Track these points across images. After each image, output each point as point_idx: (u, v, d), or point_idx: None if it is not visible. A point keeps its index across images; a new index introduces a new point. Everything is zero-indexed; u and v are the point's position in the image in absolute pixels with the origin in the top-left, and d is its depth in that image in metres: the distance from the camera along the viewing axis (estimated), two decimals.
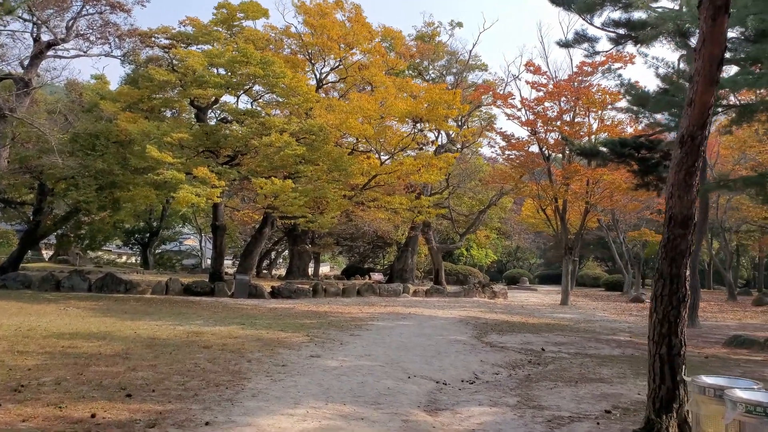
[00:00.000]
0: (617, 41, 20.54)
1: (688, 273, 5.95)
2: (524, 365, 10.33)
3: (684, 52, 18.53)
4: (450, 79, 34.79)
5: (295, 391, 7.18)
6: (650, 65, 15.74)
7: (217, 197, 19.92)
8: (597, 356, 11.52)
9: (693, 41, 17.02)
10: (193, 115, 25.49)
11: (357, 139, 26.23)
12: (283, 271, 46.09)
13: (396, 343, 11.78)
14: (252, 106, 23.88)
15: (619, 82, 17.02)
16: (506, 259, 69.00)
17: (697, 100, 5.76)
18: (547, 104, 25.44)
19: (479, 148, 40.59)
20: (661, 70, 15.73)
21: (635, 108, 21.00)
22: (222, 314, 16.26)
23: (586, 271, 54.59)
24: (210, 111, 26.08)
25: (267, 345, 10.60)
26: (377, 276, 38.64)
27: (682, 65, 18.02)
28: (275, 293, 24.02)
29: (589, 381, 8.86)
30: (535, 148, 27.26)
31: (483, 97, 29.79)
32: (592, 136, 25.40)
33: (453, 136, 32.78)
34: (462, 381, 8.78)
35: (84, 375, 7.30)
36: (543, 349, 12.10)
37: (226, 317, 15.41)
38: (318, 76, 27.52)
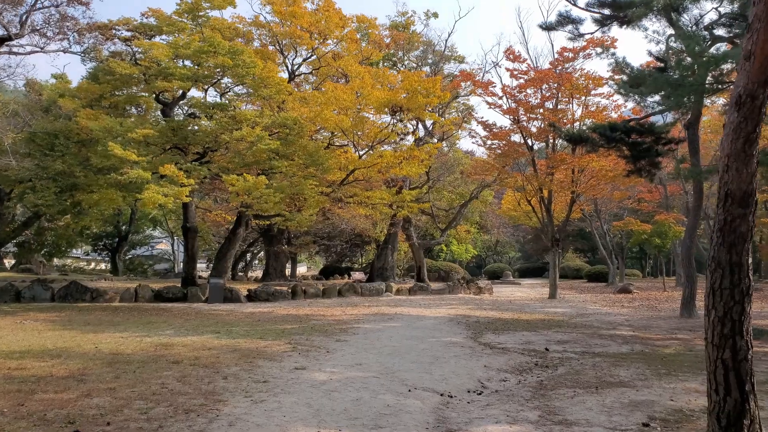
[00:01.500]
0: (602, 22, 19.73)
1: (750, 260, 4.95)
2: (532, 369, 9.34)
3: (672, 31, 17.78)
4: (426, 70, 33.76)
5: (280, 415, 6.08)
6: (650, 39, 14.86)
7: (186, 197, 18.64)
8: (606, 355, 10.58)
9: (685, 17, 16.23)
10: (159, 113, 24.09)
11: (333, 133, 25.11)
12: (259, 273, 44.78)
13: (387, 348, 10.71)
14: (221, 99, 22.57)
15: (612, 60, 16.13)
16: (485, 253, 68.33)
17: (757, 52, 4.76)
18: (529, 91, 24.57)
19: (457, 141, 39.70)
20: (655, 48, 14.87)
21: (623, 91, 20.21)
22: (195, 322, 15.04)
23: (567, 262, 54.06)
24: (177, 107, 24.71)
25: (245, 356, 9.46)
26: (357, 275, 37.56)
27: (672, 43, 17.22)
28: (252, 297, 22.81)
29: (610, 386, 7.89)
30: (517, 138, 26.41)
31: (462, 85, 28.85)
32: (576, 123, 24.61)
33: (431, 128, 31.79)
34: (469, 392, 7.75)
35: (26, 406, 6.10)
36: (547, 349, 11.15)
37: (199, 325, 14.21)
38: (290, 68, 26.33)
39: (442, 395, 7.42)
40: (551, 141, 25.96)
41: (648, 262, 60.17)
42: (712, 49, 16.15)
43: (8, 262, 36.09)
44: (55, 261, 42.24)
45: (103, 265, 47.80)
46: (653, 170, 19.06)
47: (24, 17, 24.39)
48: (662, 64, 16.80)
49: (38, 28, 25.70)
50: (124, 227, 40.75)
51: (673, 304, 22.83)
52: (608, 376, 8.56)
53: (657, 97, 17.42)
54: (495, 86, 26.27)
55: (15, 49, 25.87)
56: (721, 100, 27.47)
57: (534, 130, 25.68)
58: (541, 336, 13.12)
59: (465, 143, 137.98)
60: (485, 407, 6.91)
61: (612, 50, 17.65)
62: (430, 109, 21.79)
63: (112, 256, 41.71)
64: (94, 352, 9.56)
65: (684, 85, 13.86)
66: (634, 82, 15.36)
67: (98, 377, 7.57)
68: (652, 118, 20.87)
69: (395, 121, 21.68)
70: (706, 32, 16.84)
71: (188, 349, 10.09)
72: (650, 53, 16.53)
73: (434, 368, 8.99)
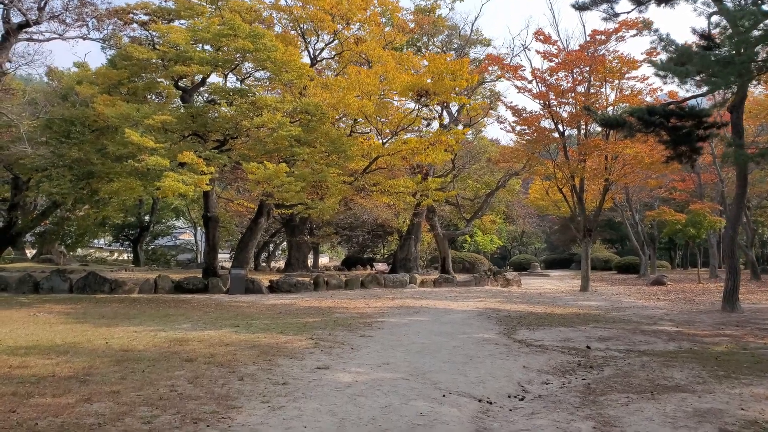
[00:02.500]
0: (639, 1, 18.67)
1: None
2: (575, 370, 8.54)
3: (716, 9, 16.71)
4: (452, 58, 32.75)
5: (300, 425, 5.38)
6: (699, 12, 13.84)
7: (207, 185, 18.05)
8: (654, 353, 9.73)
9: None
10: (178, 99, 23.53)
11: (355, 120, 24.35)
12: (282, 264, 44.31)
13: (416, 346, 9.98)
14: (241, 85, 21.90)
15: (655, 38, 15.13)
16: (510, 244, 67.19)
17: None
18: (560, 74, 23.51)
19: (483, 129, 38.65)
20: (699, 25, 13.85)
21: (661, 72, 19.16)
22: (214, 314, 14.46)
23: (595, 253, 52.71)
24: (197, 94, 24.15)
25: (264, 353, 8.80)
26: (380, 266, 36.86)
27: (717, 18, 16.14)
28: (274, 288, 22.25)
29: (667, 390, 7.07)
30: (547, 123, 25.40)
31: (490, 69, 27.80)
32: (610, 108, 23.53)
33: (457, 115, 30.81)
34: (509, 397, 6.99)
35: (18, 412, 5.48)
36: (588, 347, 10.32)
37: (218, 318, 13.61)
38: (312, 53, 25.56)
39: (480, 401, 6.67)
40: (583, 127, 24.90)
41: (677, 253, 58.64)
42: (761, 25, 15.09)
43: (30, 252, 36.03)
44: (78, 251, 42.18)
45: (125, 256, 47.67)
46: (694, 156, 18.01)
47: (42, 3, 23.93)
48: (707, 42, 15.74)
49: (57, 14, 25.22)
50: (146, 218, 40.48)
51: (711, 297, 21.81)
52: (662, 379, 7.73)
53: (700, 78, 16.37)
54: (524, 70, 25.29)
55: (34, 36, 25.48)
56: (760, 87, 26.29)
57: (565, 115, 24.65)
58: (579, 332, 12.28)
59: (490, 131, 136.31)
60: (530, 416, 6.14)
61: (654, 27, 16.60)
62: (457, 93, 20.88)
63: (134, 247, 41.48)
64: (104, 349, 8.97)
65: (734, 62, 12.85)
66: (679, 60, 14.34)
67: (103, 378, 6.94)
68: (688, 103, 19.81)
69: (420, 106, 20.82)
70: (754, 8, 15.76)
71: (204, 345, 9.46)
72: (694, 30, 15.49)
73: (469, 369, 8.24)
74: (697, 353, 9.78)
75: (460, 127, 30.14)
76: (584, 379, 7.89)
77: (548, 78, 24.23)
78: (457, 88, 20.22)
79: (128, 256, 46.66)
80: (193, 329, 11.50)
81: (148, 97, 24.15)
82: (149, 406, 5.80)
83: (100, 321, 12.47)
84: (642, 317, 15.37)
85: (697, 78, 16.81)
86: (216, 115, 20.20)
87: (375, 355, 9.02)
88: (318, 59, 25.94)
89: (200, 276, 22.80)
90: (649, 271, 37.64)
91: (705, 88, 17.32)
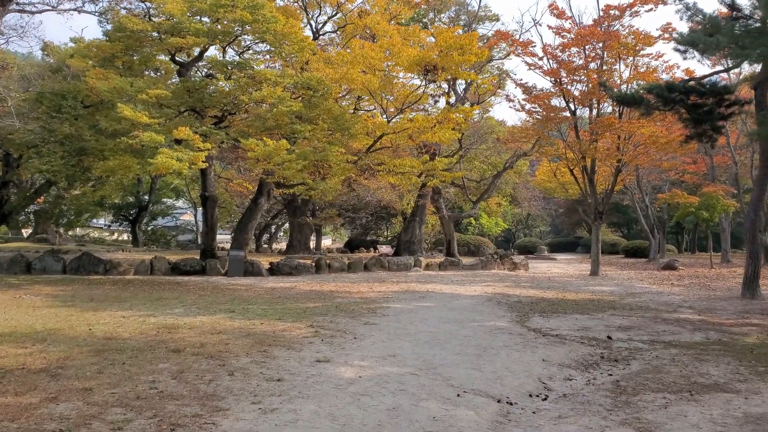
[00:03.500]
0: None
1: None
2: (599, 364, 7.81)
3: None
4: (459, 33, 31.71)
5: None
6: None
7: (203, 162, 17.26)
8: (681, 345, 8.99)
9: None
10: (175, 74, 22.64)
11: (359, 97, 23.49)
12: (284, 245, 43.61)
13: (424, 335, 9.24)
14: (240, 58, 20.98)
15: (681, 6, 14.17)
16: (515, 227, 66.30)
17: None
18: (572, 50, 22.53)
19: (490, 108, 37.68)
20: None
21: (681, 47, 18.25)
22: (210, 298, 13.76)
23: (602, 237, 51.97)
24: (195, 69, 23.24)
25: (258, 343, 8.07)
26: (384, 248, 36.14)
27: None
28: (274, 270, 21.54)
29: (706, 389, 6.33)
30: (558, 102, 24.48)
31: (499, 46, 26.81)
32: (623, 86, 22.58)
33: (464, 93, 29.84)
34: (531, 396, 6.25)
35: None
36: (609, 338, 9.57)
37: (213, 302, 12.91)
38: (314, 26, 24.62)
39: (499, 401, 5.93)
40: (595, 105, 23.96)
41: (684, 237, 57.78)
42: None
43: (26, 231, 35.34)
44: (77, 231, 41.50)
45: (125, 236, 46.97)
46: (714, 135, 17.15)
47: None
48: (734, 12, 14.79)
49: None
50: (144, 197, 39.69)
51: (726, 283, 21.08)
52: (697, 375, 6.99)
53: (729, 50, 15.46)
54: (534, 46, 24.35)
55: (26, 8, 24.56)
56: None
57: (576, 93, 23.70)
58: (596, 320, 11.53)
59: (498, 112, 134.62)
60: (558, 421, 5.40)
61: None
62: (466, 68, 19.95)
63: (132, 227, 40.74)
64: (86, 336, 8.25)
65: (767, 33, 11.96)
66: (707, 31, 13.43)
67: (77, 371, 6.21)
68: (708, 80, 18.90)
69: (427, 82, 19.91)
70: None
71: (195, 333, 8.75)
72: (721, 1, 14.51)
73: (483, 362, 7.49)
74: (728, 345, 9.04)
75: (468, 105, 29.25)
76: (611, 375, 7.15)
77: (560, 54, 23.27)
78: (465, 64, 19.28)
79: (128, 237, 45.97)
80: (186, 314, 10.79)
81: (146, 72, 23.28)
82: (123, 407, 5.07)
83: (88, 305, 11.75)
84: (659, 304, 14.63)
85: (726, 50, 15.94)
86: (213, 89, 19.33)
87: (380, 345, 8.29)
88: (320, 33, 24.99)
89: (198, 257, 22.10)
90: (659, 256, 36.85)
91: (727, 63, 16.42)
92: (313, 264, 22.64)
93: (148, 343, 7.88)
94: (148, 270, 20.65)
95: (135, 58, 21.22)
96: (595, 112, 24.26)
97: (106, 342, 7.87)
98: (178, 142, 17.68)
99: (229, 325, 9.59)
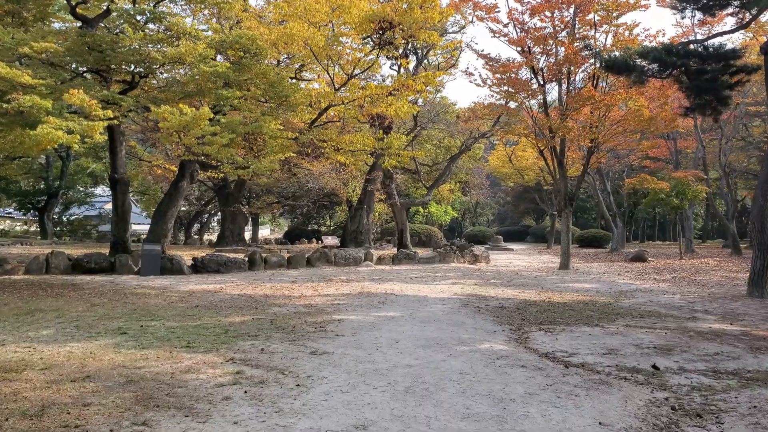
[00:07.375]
0: None
1: None
2: (678, 423, 4.95)
3: None
4: None
5: None
6: None
7: (101, 134, 13.72)
8: (759, 378, 6.28)
9: None
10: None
11: (302, 64, 20.23)
12: (216, 237, 39.85)
13: (401, 374, 6.22)
14: (154, 8, 17.30)
15: None
16: (462, 216, 64.01)
17: None
18: (545, 14, 19.82)
19: (442, 88, 34.85)
20: None
21: (680, 5, 15.85)
22: (103, 309, 10.40)
23: (555, 226, 50.25)
24: (103, 27, 19.44)
25: (140, 402, 4.91)
26: (329, 240, 32.92)
27: None
28: (198, 267, 18.15)
29: None
30: (526, 74, 21.81)
31: (456, 15, 23.92)
32: (605, 54, 20.04)
33: (424, 57, 26.83)
34: None
35: None
36: (656, 368, 6.77)
37: (104, 316, 9.58)
38: None
39: None
40: (564, 78, 21.32)
41: (633, 226, 56.85)
42: None
43: None
44: None
45: (36, 227, 42.01)
46: (719, 107, 14.78)
47: None
48: None
49: None
50: (56, 183, 35.04)
51: (710, 277, 19.07)
52: None
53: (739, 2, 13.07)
54: (499, 11, 21.60)
55: None
56: None
57: (544, 65, 21.05)
58: (616, 336, 8.75)
59: (450, 91, 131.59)
60: None
61: None
62: (428, 27, 16.92)
63: (41, 216, 36.01)
64: None
65: None
66: None
67: None
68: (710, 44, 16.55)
69: (382, 44, 16.78)
70: None
71: (43, 380, 5.52)
72: None
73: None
74: None
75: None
76: None
77: (528, 20, 20.55)
78: (428, 22, 16.23)
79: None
80: (53, 340, 7.49)
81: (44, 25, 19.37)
82: None
83: None
84: (667, 308, 12.08)
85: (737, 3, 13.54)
86: (122, 46, 15.70)
87: (338, 401, 5.22)
88: None
89: (107, 252, 18.49)
90: (620, 246, 34.96)
91: (729, 26, 14.00)
92: (246, 259, 19.33)
93: None
94: (43, 268, 17.03)
95: (29, 11, 17.41)
96: (565, 86, 21.66)
97: None
98: (74, 111, 14.13)
99: (108, 361, 6.36)
